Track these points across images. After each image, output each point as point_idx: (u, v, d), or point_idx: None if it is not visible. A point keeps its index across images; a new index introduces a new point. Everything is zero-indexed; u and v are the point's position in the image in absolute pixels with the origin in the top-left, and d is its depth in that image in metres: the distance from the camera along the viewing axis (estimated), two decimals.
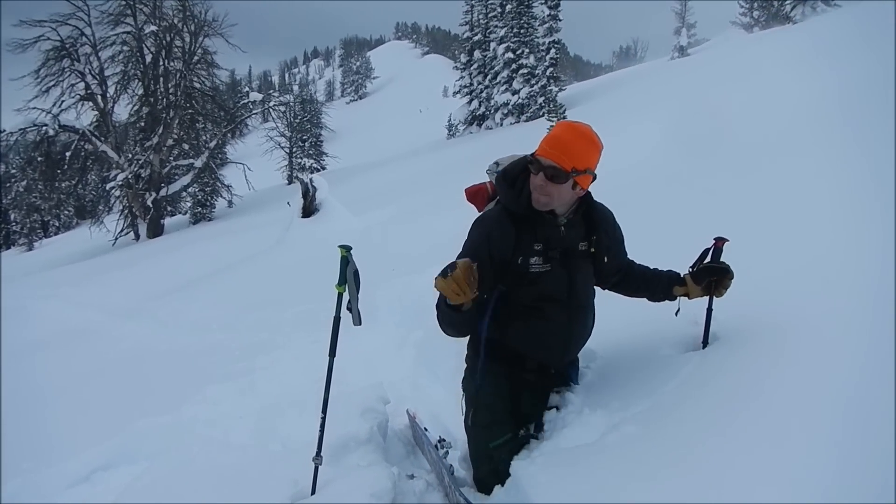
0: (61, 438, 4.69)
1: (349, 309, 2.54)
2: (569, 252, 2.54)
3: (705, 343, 2.70)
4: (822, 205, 3.93)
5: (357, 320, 2.55)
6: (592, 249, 2.60)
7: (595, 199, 2.63)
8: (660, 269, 2.84)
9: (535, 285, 2.52)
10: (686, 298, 2.74)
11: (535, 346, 2.61)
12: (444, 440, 3.41)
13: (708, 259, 2.69)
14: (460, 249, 2.55)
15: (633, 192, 6.65)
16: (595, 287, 2.76)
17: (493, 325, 2.61)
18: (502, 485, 2.49)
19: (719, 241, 2.68)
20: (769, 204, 4.50)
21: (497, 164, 2.78)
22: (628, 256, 2.85)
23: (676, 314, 2.78)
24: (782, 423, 1.87)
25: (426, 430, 3.60)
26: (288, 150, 41.53)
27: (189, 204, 30.17)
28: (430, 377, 4.82)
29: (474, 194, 2.97)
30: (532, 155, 2.47)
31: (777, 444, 1.78)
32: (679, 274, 2.75)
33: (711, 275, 2.64)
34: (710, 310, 2.69)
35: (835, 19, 13.25)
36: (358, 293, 2.56)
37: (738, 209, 4.60)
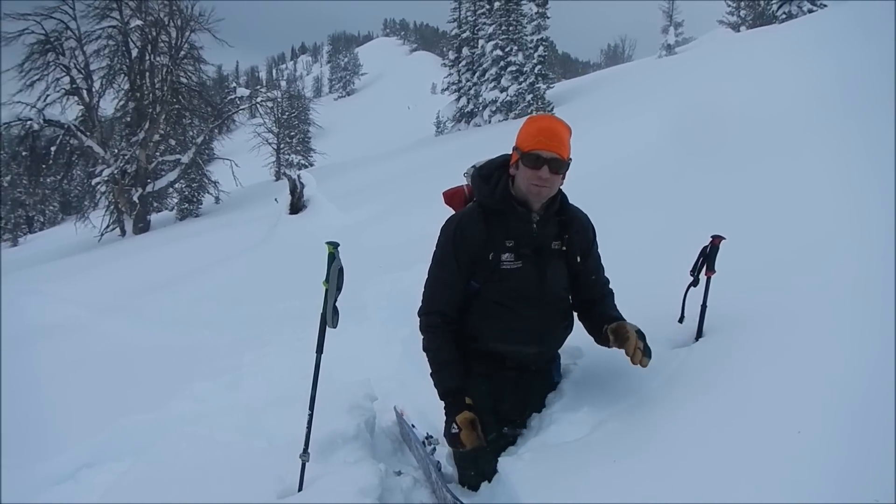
0: (46, 435, 4.65)
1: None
2: (541, 250, 2.56)
3: (698, 337, 2.72)
4: (820, 198, 3.93)
5: (332, 322, 2.52)
6: (565, 248, 2.62)
7: (572, 200, 2.67)
8: (612, 312, 2.66)
9: (507, 282, 2.55)
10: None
11: (509, 344, 2.62)
12: (431, 437, 3.41)
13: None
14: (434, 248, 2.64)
15: (628, 185, 6.66)
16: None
17: (468, 323, 2.63)
18: (489, 481, 2.50)
19: (716, 239, 2.69)
20: (766, 198, 4.49)
21: (475, 167, 2.83)
22: (606, 277, 2.78)
23: (681, 321, 2.80)
24: (769, 419, 1.88)
25: (413, 426, 3.60)
26: (275, 147, 41.33)
27: (176, 200, 29.87)
28: (417, 374, 4.78)
29: (452, 196, 3.01)
30: (522, 151, 2.48)
31: (765, 439, 1.79)
32: (617, 320, 2.55)
33: (615, 337, 2.44)
34: (704, 306, 2.71)
35: (823, 18, 13.31)
36: (338, 293, 2.52)
37: (735, 203, 4.60)
